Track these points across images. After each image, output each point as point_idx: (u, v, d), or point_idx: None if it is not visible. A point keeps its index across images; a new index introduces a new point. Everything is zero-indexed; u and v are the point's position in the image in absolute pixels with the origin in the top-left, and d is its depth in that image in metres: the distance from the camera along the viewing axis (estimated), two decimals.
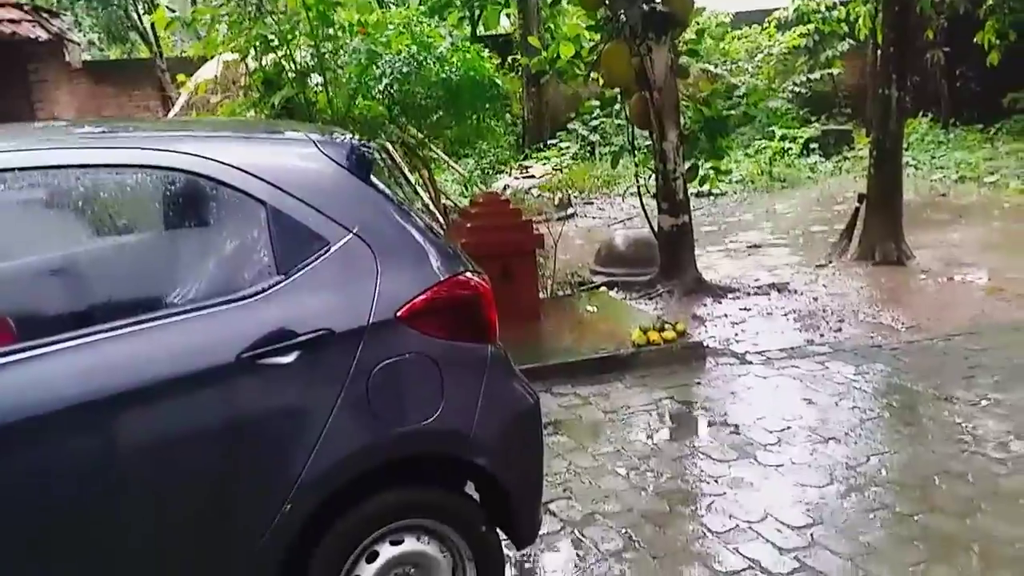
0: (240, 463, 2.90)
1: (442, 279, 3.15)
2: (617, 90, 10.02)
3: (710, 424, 5.80)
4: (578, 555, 4.23)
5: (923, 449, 5.20)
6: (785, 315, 8.23)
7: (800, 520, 4.41)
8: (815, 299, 8.70)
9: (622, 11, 9.06)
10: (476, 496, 3.44)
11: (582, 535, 4.40)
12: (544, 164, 17.59)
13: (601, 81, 10.05)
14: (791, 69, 21.02)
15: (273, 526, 2.88)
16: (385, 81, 8.96)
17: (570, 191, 15.42)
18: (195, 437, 2.83)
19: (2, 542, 2.66)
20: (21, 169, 2.87)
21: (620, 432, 5.71)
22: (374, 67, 8.90)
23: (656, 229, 9.54)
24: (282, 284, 2.94)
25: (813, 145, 18.28)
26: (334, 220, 3.05)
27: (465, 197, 12.92)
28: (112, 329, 2.77)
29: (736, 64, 20.56)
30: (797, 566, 4.00)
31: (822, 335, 7.53)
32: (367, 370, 2.97)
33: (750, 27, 22.15)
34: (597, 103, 11.74)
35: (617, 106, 10.76)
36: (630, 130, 10.45)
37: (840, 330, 7.65)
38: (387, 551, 3.12)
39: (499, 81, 10.03)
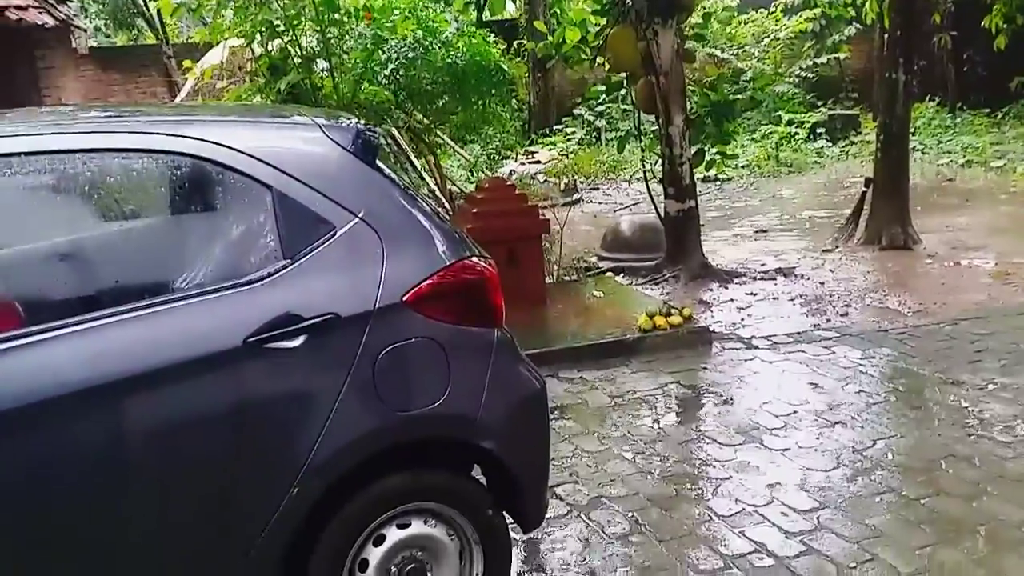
0: (247, 447, 2.90)
1: (448, 264, 3.15)
2: (623, 75, 10.00)
3: (716, 408, 5.80)
4: (585, 539, 4.24)
5: (929, 433, 5.20)
6: (791, 300, 8.23)
7: (806, 504, 4.42)
8: (821, 284, 8.69)
9: None
10: (483, 480, 3.45)
11: (588, 519, 4.41)
12: (550, 149, 17.60)
13: (607, 66, 10.02)
14: (797, 54, 20.99)
15: (280, 510, 2.88)
16: (391, 66, 8.95)
17: (576, 176, 15.43)
18: (202, 421, 2.83)
19: (9, 526, 2.67)
20: (28, 154, 2.87)
21: (626, 416, 5.71)
22: (380, 52, 8.89)
23: (662, 214, 9.53)
24: (288, 268, 2.94)
25: (820, 130, 18.28)
26: (340, 204, 3.04)
27: (471, 182, 12.91)
28: (119, 314, 2.77)
29: (742, 49, 20.54)
30: (803, 549, 4.01)
31: (828, 319, 7.53)
32: (374, 354, 2.97)
33: (756, 11, 22.09)
34: (603, 88, 11.71)
35: (623, 91, 10.75)
36: (636, 115, 10.45)
37: (846, 314, 7.65)
38: (394, 534, 3.12)
39: (505, 66, 10.00)
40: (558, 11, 20.59)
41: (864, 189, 10.52)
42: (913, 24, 10.36)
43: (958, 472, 4.68)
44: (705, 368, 6.59)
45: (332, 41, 8.61)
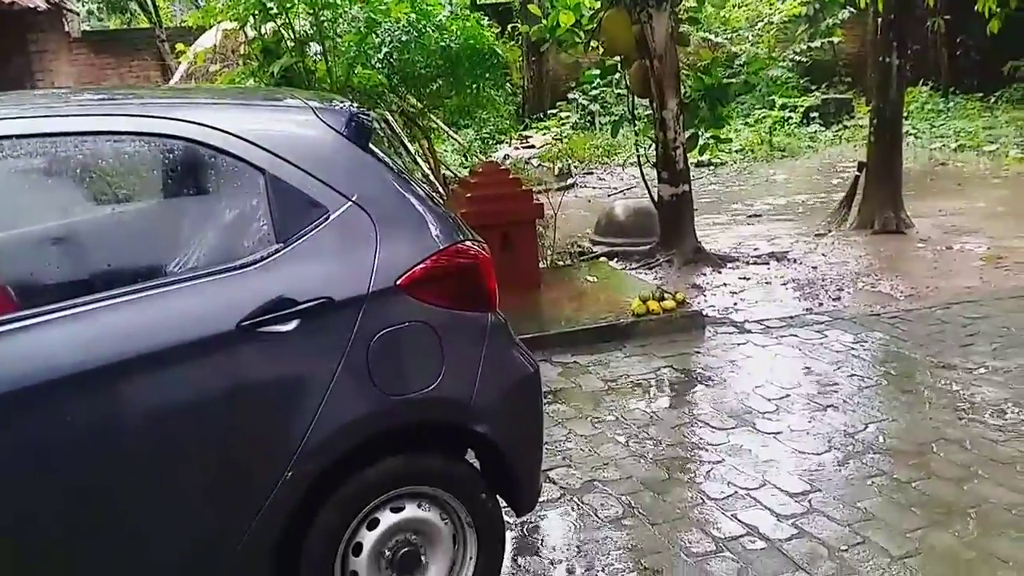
0: (241, 431, 2.91)
1: (442, 248, 3.14)
2: (617, 59, 9.97)
3: (709, 392, 5.82)
4: (578, 522, 4.25)
5: (921, 416, 5.22)
6: (784, 284, 8.24)
7: (798, 487, 4.44)
8: (814, 268, 8.70)
9: None
10: (476, 464, 3.46)
11: (582, 502, 4.43)
12: (544, 134, 17.54)
13: (601, 50, 9.99)
14: (791, 38, 20.90)
15: (274, 494, 2.89)
16: (384, 50, 8.91)
17: (570, 161, 15.39)
18: (195, 405, 2.84)
19: (5, 510, 2.67)
20: (20, 136, 2.86)
21: (619, 400, 5.73)
22: (373, 36, 8.85)
23: (656, 199, 9.52)
24: (282, 252, 2.94)
25: (813, 114, 18.27)
26: (333, 188, 3.04)
27: (465, 167, 12.89)
28: (112, 297, 2.77)
29: (736, 32, 20.43)
30: (795, 532, 4.03)
31: (821, 304, 7.55)
32: (367, 338, 2.97)
33: None
34: (597, 72, 11.67)
35: (617, 75, 10.72)
36: (630, 99, 10.41)
37: (839, 299, 7.67)
38: (388, 518, 3.14)
39: (499, 50, 9.95)
40: None
41: (857, 173, 10.53)
42: (906, 8, 10.35)
43: (949, 455, 4.71)
44: (698, 352, 6.60)
45: (325, 24, 8.56)
